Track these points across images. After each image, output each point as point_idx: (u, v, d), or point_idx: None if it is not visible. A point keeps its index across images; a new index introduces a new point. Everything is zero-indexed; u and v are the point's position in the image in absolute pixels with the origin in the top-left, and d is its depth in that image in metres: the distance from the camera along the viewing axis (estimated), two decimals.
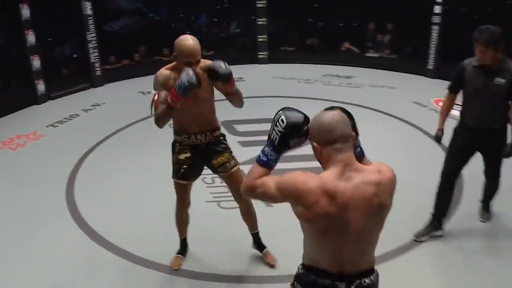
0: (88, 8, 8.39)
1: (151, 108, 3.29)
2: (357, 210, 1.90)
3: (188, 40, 3.11)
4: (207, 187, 5.04)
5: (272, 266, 3.73)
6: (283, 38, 10.90)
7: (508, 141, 3.85)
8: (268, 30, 10.49)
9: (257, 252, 3.86)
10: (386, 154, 5.70)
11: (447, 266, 3.77)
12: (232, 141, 5.72)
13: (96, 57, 8.71)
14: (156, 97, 3.18)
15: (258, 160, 2.08)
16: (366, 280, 2.03)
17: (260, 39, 10.38)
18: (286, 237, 3.89)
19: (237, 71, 10.16)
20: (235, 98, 3.30)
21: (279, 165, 2.15)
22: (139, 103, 7.90)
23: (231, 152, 3.54)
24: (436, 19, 8.98)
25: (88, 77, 8.76)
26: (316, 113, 1.98)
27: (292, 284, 2.17)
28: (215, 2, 11.50)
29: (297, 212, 1.95)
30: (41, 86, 8.01)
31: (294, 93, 7.91)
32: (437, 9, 8.89)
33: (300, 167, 4.81)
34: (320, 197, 1.87)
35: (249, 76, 9.03)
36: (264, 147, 2.08)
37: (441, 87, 8.50)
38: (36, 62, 7.85)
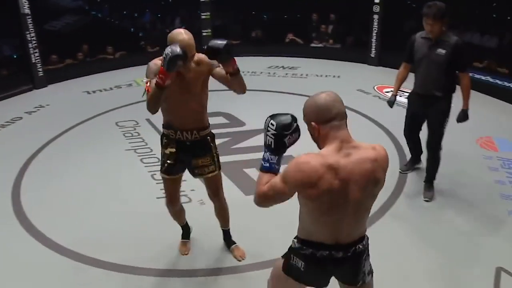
0: (25, 7, 8.13)
1: (143, 95, 3.14)
2: (355, 185, 2.05)
3: (182, 34, 2.96)
4: (156, 184, 5.03)
5: (239, 260, 3.77)
6: (228, 31, 10.92)
7: (455, 109, 4.29)
8: (212, 24, 10.48)
9: (210, 245, 3.89)
10: None
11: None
12: None
13: (38, 57, 8.47)
14: (148, 84, 3.05)
15: (262, 169, 2.17)
16: (360, 246, 2.22)
17: (204, 33, 10.37)
18: (261, 225, 3.98)
19: None
20: (237, 81, 3.14)
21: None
22: (84, 103, 7.78)
23: (215, 156, 3.44)
24: (377, 9, 9.21)
25: (30, 78, 8.50)
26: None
27: (286, 257, 2.32)
28: None
29: (304, 195, 2.06)
30: None
31: None
32: None
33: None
34: (324, 173, 1.99)
35: None
36: (263, 155, 2.17)
37: (383, 74, 8.86)
38: None
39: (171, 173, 3.42)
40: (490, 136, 5.93)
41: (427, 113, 4.38)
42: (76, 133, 6.52)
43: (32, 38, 8.32)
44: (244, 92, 3.24)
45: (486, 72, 7.98)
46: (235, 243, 3.87)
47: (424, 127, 4.56)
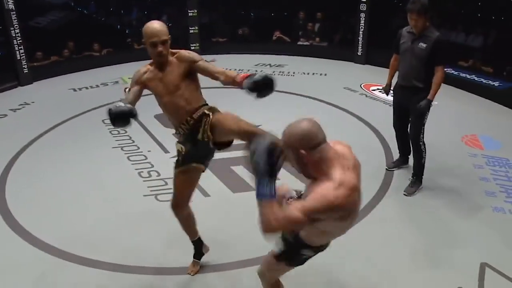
0: (10, 3, 8.03)
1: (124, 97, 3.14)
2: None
3: (152, 23, 3.09)
4: (144, 181, 5.02)
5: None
6: (215, 29, 10.91)
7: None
8: (199, 21, 10.45)
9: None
10: None
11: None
12: (166, 133, 5.73)
13: (23, 54, 8.38)
14: (126, 91, 3.02)
15: (263, 198, 2.05)
16: None
17: (191, 31, 10.34)
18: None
19: None
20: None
21: None
22: (70, 100, 7.71)
23: (205, 113, 3.17)
24: (363, 7, 9.24)
25: (14, 75, 8.40)
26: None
27: (278, 258, 2.52)
28: None
29: (328, 217, 2.09)
30: None
31: None
32: None
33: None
34: (351, 196, 2.07)
35: None
36: (257, 186, 2.06)
37: (370, 72, 8.90)
38: None
39: (183, 163, 3.27)
40: (475, 134, 5.99)
41: (409, 104, 4.51)
42: (62, 131, 6.47)
43: (17, 35, 8.23)
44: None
45: (471, 71, 8.06)
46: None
47: None
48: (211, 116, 3.11)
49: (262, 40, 10.73)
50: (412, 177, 4.72)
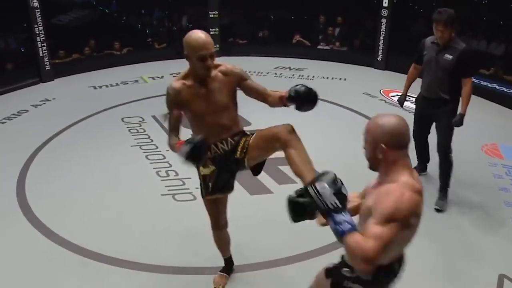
0: (35, 1, 8.15)
1: (165, 120, 3.00)
2: None
3: (198, 33, 2.78)
4: (161, 181, 5.05)
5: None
6: (235, 31, 10.93)
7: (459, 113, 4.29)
8: (219, 23, 10.49)
9: (212, 243, 3.88)
10: (339, 143, 5.89)
11: None
12: (185, 133, 5.75)
13: (45, 51, 8.49)
14: (167, 115, 2.85)
15: (345, 233, 1.83)
16: None
17: (212, 32, 10.37)
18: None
19: (188, 64, 10.10)
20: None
21: None
22: (90, 97, 7.79)
23: (246, 134, 3.06)
24: (385, 12, 9.20)
25: (36, 71, 8.52)
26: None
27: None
28: None
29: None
30: None
31: None
32: (386, 2, 9.11)
33: None
34: (419, 200, 1.97)
35: None
36: (335, 220, 1.85)
37: (389, 78, 8.85)
38: None
39: (216, 191, 3.07)
40: (495, 143, 5.93)
41: (434, 115, 4.45)
42: (82, 128, 6.54)
43: (40, 32, 8.34)
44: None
45: (492, 79, 7.97)
46: None
47: (433, 131, 4.59)
48: (251, 136, 2.98)
49: (282, 43, 10.72)
50: (440, 190, 4.56)
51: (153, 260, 3.81)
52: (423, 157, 4.98)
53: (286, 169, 5.08)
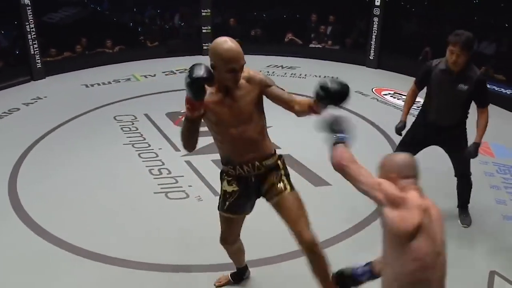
0: None
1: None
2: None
3: (227, 43, 2.52)
4: (154, 179, 5.05)
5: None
6: (227, 29, 10.92)
7: (468, 139, 4.02)
8: (212, 21, 10.48)
9: (206, 242, 3.87)
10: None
11: None
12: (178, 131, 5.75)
13: (36, 49, 8.44)
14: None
15: (340, 140, 2.43)
16: None
17: (204, 31, 10.37)
18: None
19: (181, 62, 10.09)
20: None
21: None
22: (82, 96, 7.76)
23: (283, 175, 2.87)
24: (377, 11, 9.23)
25: (28, 69, 8.47)
26: None
27: None
28: None
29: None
30: None
31: None
32: (378, 1, 9.14)
33: None
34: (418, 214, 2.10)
35: None
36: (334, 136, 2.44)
37: (382, 76, 8.89)
38: None
39: (234, 212, 2.94)
40: (486, 142, 5.96)
41: (440, 141, 4.06)
42: (74, 126, 6.51)
43: (32, 30, 8.30)
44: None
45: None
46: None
47: (432, 155, 4.35)
48: (284, 190, 2.81)
49: (275, 41, 10.73)
50: (461, 206, 4.35)
51: (147, 258, 3.81)
52: None
53: None
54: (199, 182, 4.94)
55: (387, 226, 2.10)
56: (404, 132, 4.18)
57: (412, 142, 4.06)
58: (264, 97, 2.76)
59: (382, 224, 2.16)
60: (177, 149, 5.64)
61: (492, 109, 7.19)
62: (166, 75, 8.73)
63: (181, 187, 4.87)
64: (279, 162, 2.88)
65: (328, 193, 4.74)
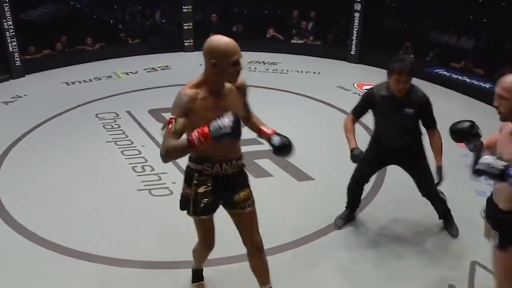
0: None
1: (162, 128, 2.66)
2: None
3: (223, 38, 2.55)
4: (137, 176, 5.03)
5: None
6: (209, 25, 10.90)
7: (428, 159, 3.95)
8: (193, 17, 10.45)
9: (191, 238, 3.87)
10: (314, 135, 5.93)
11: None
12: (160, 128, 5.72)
13: (15, 47, 8.34)
14: (172, 123, 2.57)
15: None
16: None
17: (185, 27, 10.33)
18: None
19: (163, 59, 10.03)
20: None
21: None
22: (63, 94, 7.69)
23: (248, 181, 2.98)
24: (358, 7, 9.29)
25: (6, 68, 8.37)
26: None
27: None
28: None
29: None
30: None
31: None
32: None
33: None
34: None
35: (175, 64, 9.04)
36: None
37: (363, 71, 8.96)
38: None
39: (209, 212, 2.91)
40: None
41: (398, 160, 3.98)
42: (55, 124, 6.45)
43: (10, 27, 8.19)
44: None
45: (463, 72, 8.14)
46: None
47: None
48: (252, 205, 2.92)
49: (256, 37, 10.74)
50: (443, 219, 4.24)
51: (130, 255, 3.80)
52: (355, 204, 4.28)
53: (262, 163, 5.12)
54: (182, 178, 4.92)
55: None
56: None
57: (375, 159, 3.99)
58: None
59: None
60: (160, 146, 5.61)
61: (473, 103, 7.37)
62: (148, 72, 8.64)
63: (164, 183, 4.86)
64: (244, 167, 2.95)
65: (311, 188, 4.76)
